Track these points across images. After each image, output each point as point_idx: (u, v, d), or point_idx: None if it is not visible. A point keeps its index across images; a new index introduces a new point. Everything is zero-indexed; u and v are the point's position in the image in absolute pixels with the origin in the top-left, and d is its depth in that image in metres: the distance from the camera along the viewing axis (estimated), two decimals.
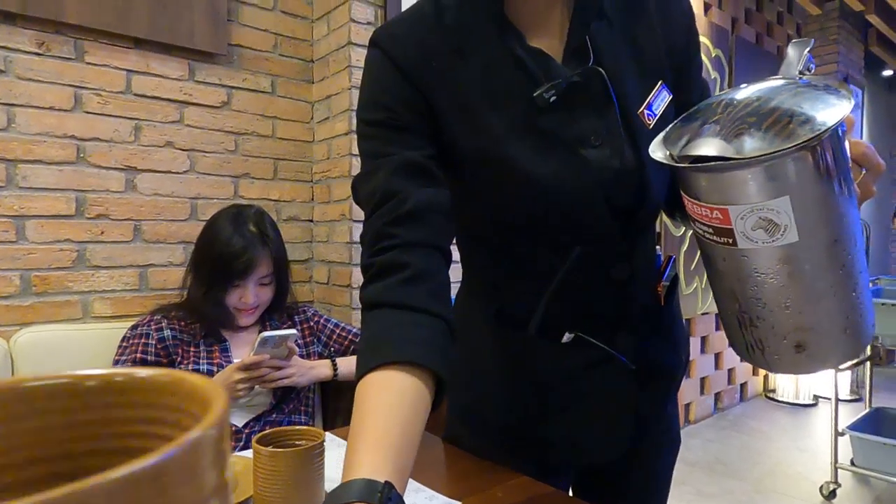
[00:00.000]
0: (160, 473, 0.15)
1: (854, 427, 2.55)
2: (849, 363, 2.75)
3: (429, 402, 0.57)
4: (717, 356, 3.68)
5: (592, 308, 0.73)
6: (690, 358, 3.41)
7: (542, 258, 0.71)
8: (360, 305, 0.64)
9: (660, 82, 0.70)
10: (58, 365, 1.49)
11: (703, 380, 3.59)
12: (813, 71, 0.60)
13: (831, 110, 0.50)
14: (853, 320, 0.56)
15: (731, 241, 0.54)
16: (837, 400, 2.52)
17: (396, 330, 0.58)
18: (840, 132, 0.52)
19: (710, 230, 0.55)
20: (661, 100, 0.69)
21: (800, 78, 0.58)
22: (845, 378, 4.02)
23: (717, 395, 3.73)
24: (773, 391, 4.10)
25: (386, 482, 0.47)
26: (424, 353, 0.57)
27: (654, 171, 0.67)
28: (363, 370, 0.57)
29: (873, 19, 4.27)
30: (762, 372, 4.16)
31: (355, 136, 0.68)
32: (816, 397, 3.94)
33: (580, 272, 0.70)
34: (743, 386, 3.96)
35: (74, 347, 1.51)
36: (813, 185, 0.51)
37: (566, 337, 0.73)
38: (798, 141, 0.49)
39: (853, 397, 4.04)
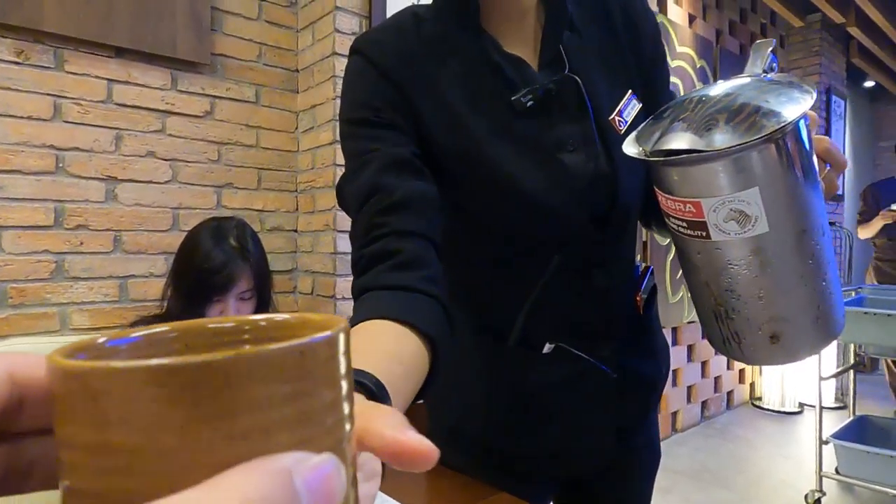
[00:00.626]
0: (306, 351, 0.18)
1: (838, 436, 2.56)
2: (835, 371, 2.77)
3: (423, 352, 0.51)
4: (704, 364, 3.70)
5: (572, 318, 0.73)
6: (676, 366, 3.44)
7: (521, 266, 0.72)
8: (343, 316, 0.62)
9: (629, 91, 0.72)
10: None
11: (689, 388, 3.60)
12: (776, 70, 0.62)
13: (795, 105, 0.52)
14: (823, 310, 0.58)
15: (704, 233, 0.55)
16: (822, 408, 2.53)
17: (391, 302, 0.54)
18: (805, 125, 0.54)
19: (684, 224, 0.57)
20: (631, 107, 0.71)
21: (764, 76, 0.60)
22: (830, 386, 4.05)
23: (704, 404, 3.74)
24: (760, 399, 4.12)
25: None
26: (415, 317, 0.51)
27: (627, 174, 0.68)
28: (352, 323, 0.51)
29: (854, 31, 4.34)
30: (748, 379, 4.18)
31: (340, 147, 0.67)
32: (802, 405, 3.96)
33: (560, 281, 0.70)
34: (729, 394, 3.98)
35: None
36: (780, 177, 0.52)
37: (547, 347, 0.73)
38: (764, 133, 0.50)
39: (838, 405, 4.07)
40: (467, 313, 0.79)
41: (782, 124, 0.50)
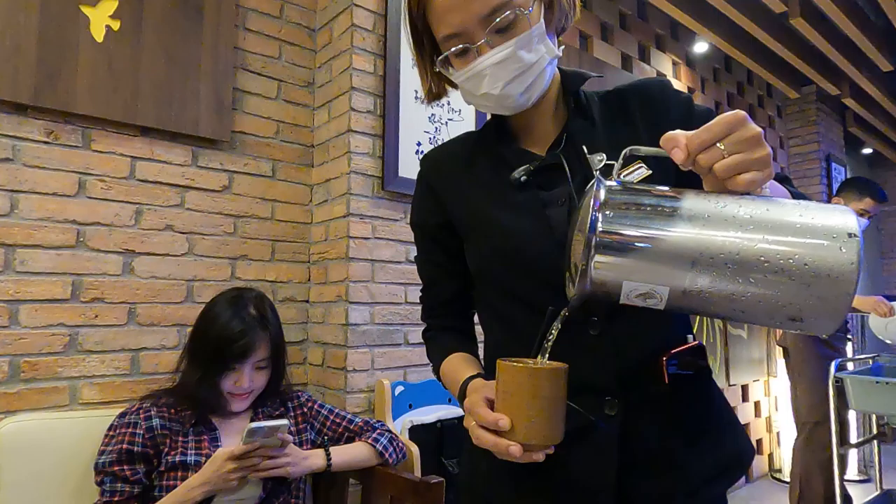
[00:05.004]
0: None
1: None
2: (856, 441, 2.68)
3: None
4: None
5: (577, 372, 0.70)
6: None
7: (523, 319, 0.79)
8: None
9: (638, 162, 0.72)
10: (42, 456, 1.43)
11: None
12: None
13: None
14: (802, 278, 0.53)
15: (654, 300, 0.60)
16: (844, 481, 2.43)
17: (459, 345, 0.93)
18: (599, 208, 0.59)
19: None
20: (637, 173, 0.71)
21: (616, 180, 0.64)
22: (854, 457, 3.90)
23: None
24: (779, 471, 3.97)
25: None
26: (474, 352, 0.92)
27: None
28: (437, 363, 0.93)
29: (849, 102, 4.48)
30: (766, 451, 4.05)
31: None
32: None
33: (566, 331, 0.70)
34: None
35: (60, 436, 1.46)
36: (626, 260, 0.58)
37: None
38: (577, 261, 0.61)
39: (862, 477, 3.91)
40: (489, 368, 0.85)
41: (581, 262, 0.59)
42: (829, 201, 4.34)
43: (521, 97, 0.78)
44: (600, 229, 0.58)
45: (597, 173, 0.63)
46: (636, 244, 0.57)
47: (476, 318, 0.98)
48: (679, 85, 3.56)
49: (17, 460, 1.40)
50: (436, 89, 0.86)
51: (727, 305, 0.57)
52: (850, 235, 0.53)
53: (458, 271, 0.91)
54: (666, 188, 0.61)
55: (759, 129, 0.57)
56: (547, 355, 0.69)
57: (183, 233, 1.82)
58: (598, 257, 0.58)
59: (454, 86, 0.85)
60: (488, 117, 0.91)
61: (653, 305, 0.59)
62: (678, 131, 0.59)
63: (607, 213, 0.58)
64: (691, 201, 0.58)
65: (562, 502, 0.76)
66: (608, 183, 0.62)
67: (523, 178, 0.79)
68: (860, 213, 3.08)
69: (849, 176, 4.96)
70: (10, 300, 1.53)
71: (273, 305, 1.51)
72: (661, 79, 0.87)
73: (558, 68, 0.84)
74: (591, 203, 0.59)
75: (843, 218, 0.55)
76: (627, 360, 0.74)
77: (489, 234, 0.82)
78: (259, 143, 2.02)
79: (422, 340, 1.00)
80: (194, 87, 1.84)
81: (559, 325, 0.70)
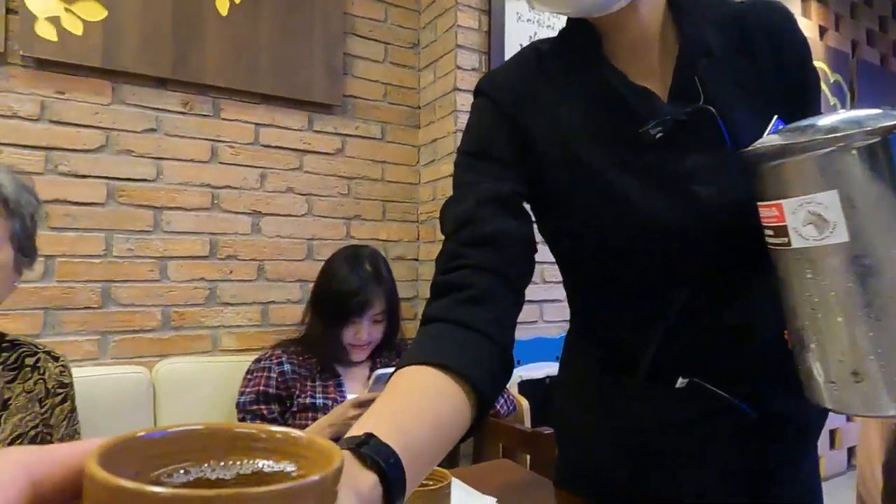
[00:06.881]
0: (295, 495, 0.20)
1: None
2: None
3: (464, 410, 0.50)
4: None
5: (707, 353, 0.68)
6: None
7: (649, 297, 0.68)
8: None
9: (775, 117, 0.67)
10: (191, 394, 1.61)
11: (832, 433, 3.25)
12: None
13: (890, 121, 0.49)
14: None
15: (786, 240, 0.53)
16: None
17: (445, 340, 0.55)
18: None
19: (771, 232, 0.55)
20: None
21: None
22: None
23: (851, 450, 3.36)
24: None
25: (366, 434, 0.39)
26: (468, 365, 0.51)
27: None
28: (397, 368, 0.52)
29: None
30: None
31: (452, 185, 0.69)
32: None
33: (691, 314, 0.66)
34: None
35: (205, 377, 1.64)
36: (866, 183, 0.49)
37: (679, 382, 0.68)
38: (848, 132, 0.49)
39: None
40: (593, 348, 0.77)
41: (866, 129, 0.49)
42: None
43: None
44: None
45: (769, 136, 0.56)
46: (886, 188, 0.50)
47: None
48: (809, 24, 3.22)
49: (171, 397, 1.59)
50: None
51: (830, 295, 0.51)
52: None
53: (523, 210, 0.66)
54: None
55: None
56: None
57: (302, 194, 1.94)
58: (851, 150, 0.49)
59: None
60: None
61: (811, 237, 0.52)
62: None
63: None
64: None
65: (694, 482, 0.72)
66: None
67: (659, 136, 0.63)
68: None
69: None
70: (160, 257, 1.71)
71: (387, 262, 1.57)
72: (783, 6, 0.74)
73: None
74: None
75: None
76: (757, 337, 0.70)
77: (612, 210, 0.65)
78: (368, 107, 2.08)
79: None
80: (308, 54, 1.92)
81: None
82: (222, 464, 0.24)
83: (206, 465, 0.24)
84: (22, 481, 0.20)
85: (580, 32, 0.69)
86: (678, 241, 0.64)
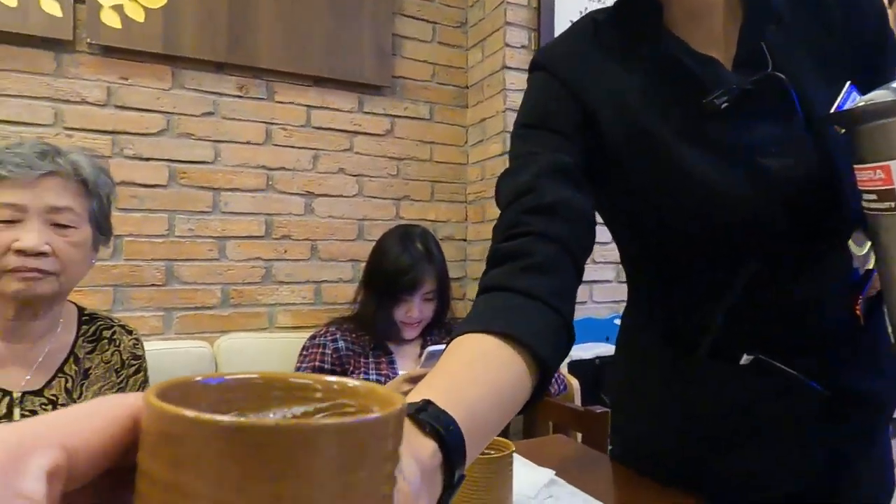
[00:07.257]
0: (359, 429, 0.20)
1: None
2: None
3: (525, 381, 0.48)
4: None
5: (773, 328, 0.67)
6: None
7: (712, 272, 0.67)
8: None
9: (847, 84, 0.64)
10: (252, 368, 1.67)
11: None
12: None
13: None
14: None
15: (893, 204, 0.50)
16: None
17: (506, 309, 0.52)
18: None
19: (874, 197, 0.52)
20: (851, 102, 0.64)
21: None
22: None
23: None
24: None
25: (423, 400, 0.38)
26: (531, 335, 0.49)
27: (851, 180, 0.60)
28: (454, 335, 0.50)
29: None
30: None
31: (508, 157, 0.68)
32: None
33: (756, 290, 0.64)
34: None
35: (263, 353, 1.70)
36: None
37: (745, 359, 0.67)
38: None
39: None
40: (654, 323, 0.76)
41: None
42: None
43: None
44: None
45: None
46: None
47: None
48: None
49: (233, 370, 1.65)
50: None
51: None
52: None
53: (583, 181, 0.63)
54: None
55: None
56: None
57: (353, 175, 1.97)
58: None
59: None
60: None
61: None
62: None
63: None
64: None
65: (763, 460, 0.71)
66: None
67: (724, 106, 0.61)
68: None
69: None
70: (219, 237, 1.77)
71: (437, 241, 1.59)
72: None
73: None
74: None
75: None
76: (826, 312, 0.68)
77: (677, 182, 0.63)
78: (416, 87, 2.08)
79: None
80: (357, 36, 1.93)
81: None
82: (279, 411, 0.24)
83: (262, 411, 0.24)
84: (56, 451, 0.19)
85: (639, 1, 0.67)
86: (746, 214, 0.62)
